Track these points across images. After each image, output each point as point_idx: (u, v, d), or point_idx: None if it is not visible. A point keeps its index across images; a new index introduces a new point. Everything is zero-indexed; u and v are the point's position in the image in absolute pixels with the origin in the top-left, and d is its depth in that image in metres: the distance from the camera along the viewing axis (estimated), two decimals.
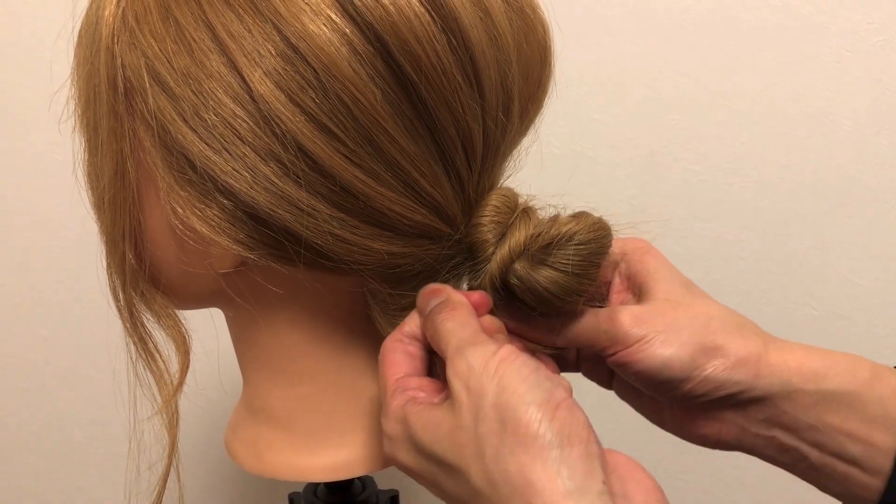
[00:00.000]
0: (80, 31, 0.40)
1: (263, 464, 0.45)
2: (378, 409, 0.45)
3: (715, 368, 0.40)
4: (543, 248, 0.40)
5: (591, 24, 0.80)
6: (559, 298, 0.41)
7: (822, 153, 0.82)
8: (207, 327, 0.49)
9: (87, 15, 0.40)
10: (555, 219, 0.42)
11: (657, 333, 0.40)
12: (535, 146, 0.81)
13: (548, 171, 0.81)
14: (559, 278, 0.40)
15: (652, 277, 0.44)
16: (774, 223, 0.85)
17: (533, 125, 0.45)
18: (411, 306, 0.41)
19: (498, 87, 0.38)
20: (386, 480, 0.57)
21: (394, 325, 0.41)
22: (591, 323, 0.42)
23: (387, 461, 0.45)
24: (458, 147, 0.38)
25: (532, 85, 0.42)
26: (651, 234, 0.83)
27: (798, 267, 0.86)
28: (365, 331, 0.43)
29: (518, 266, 0.40)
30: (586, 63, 0.81)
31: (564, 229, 0.40)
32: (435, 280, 0.41)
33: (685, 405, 0.43)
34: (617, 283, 0.46)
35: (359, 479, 0.53)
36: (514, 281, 0.41)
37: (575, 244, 0.40)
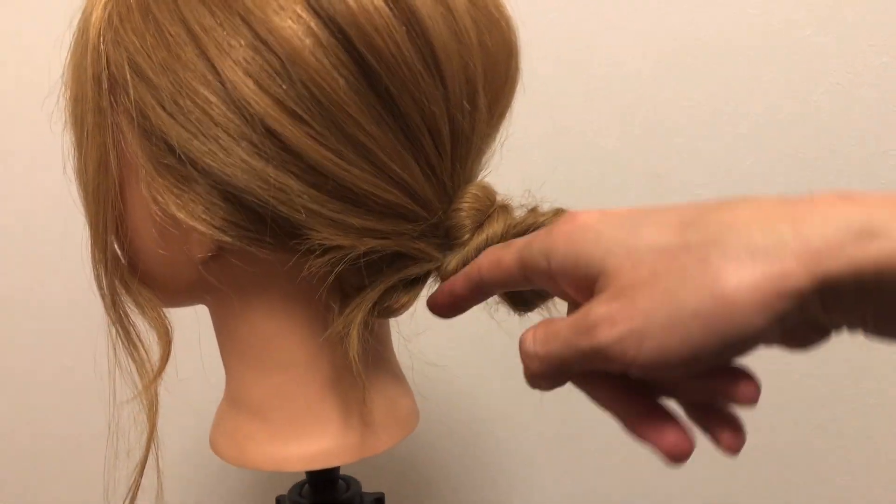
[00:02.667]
0: (73, 37, 0.43)
1: (243, 454, 0.46)
2: (352, 399, 0.46)
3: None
4: (519, 235, 0.41)
5: (596, 50, 0.82)
6: (531, 290, 0.42)
7: (830, 174, 0.82)
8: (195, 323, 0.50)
9: (80, 20, 0.43)
10: (533, 210, 0.43)
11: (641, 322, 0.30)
12: (540, 171, 0.82)
13: (553, 195, 0.82)
14: None
15: (594, 256, 0.32)
16: None
17: (504, 119, 0.46)
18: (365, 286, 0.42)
19: (461, 77, 0.40)
20: (372, 483, 0.57)
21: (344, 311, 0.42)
22: (567, 345, 0.32)
23: (362, 451, 0.46)
24: (424, 132, 0.39)
25: (499, 78, 0.43)
26: None
27: None
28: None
29: None
30: (591, 88, 0.83)
31: (541, 219, 0.41)
32: (405, 268, 0.42)
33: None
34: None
35: (343, 478, 0.53)
36: None
37: None
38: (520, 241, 0.37)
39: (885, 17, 0.78)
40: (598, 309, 0.30)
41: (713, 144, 0.83)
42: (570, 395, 0.38)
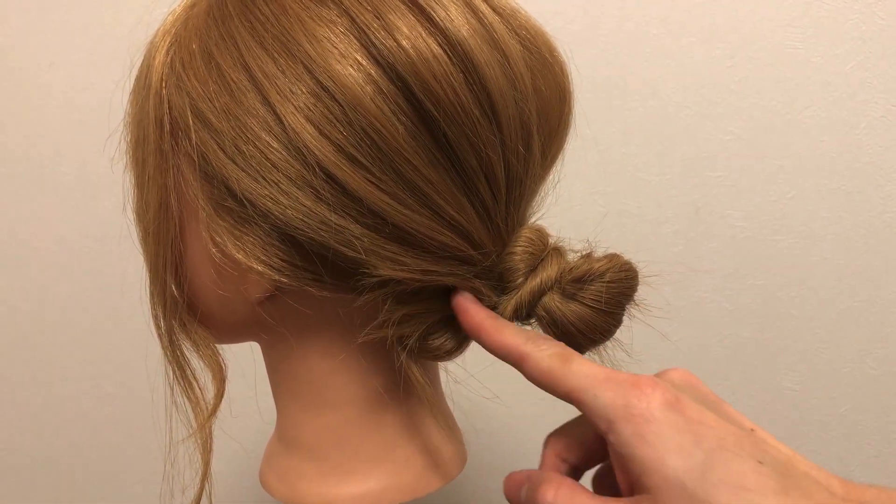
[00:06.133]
0: (135, 81, 0.44)
1: (294, 492, 0.46)
2: (404, 440, 0.46)
3: None
4: (573, 281, 0.41)
5: (636, 84, 0.82)
6: (584, 335, 0.42)
7: (875, 207, 0.81)
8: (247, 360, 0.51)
9: (141, 66, 0.44)
10: (587, 256, 0.43)
11: None
12: (580, 206, 0.82)
13: (594, 229, 0.82)
14: (586, 314, 0.41)
15: (645, 465, 0.34)
16: (827, 279, 0.83)
17: (556, 161, 0.46)
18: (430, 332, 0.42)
19: (516, 122, 0.40)
20: None
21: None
22: None
23: (414, 492, 0.46)
24: (480, 176, 0.40)
25: (552, 122, 0.44)
26: (700, 292, 0.83)
27: (853, 324, 0.83)
28: (391, 363, 0.45)
29: (547, 298, 0.42)
30: (631, 122, 0.83)
31: (596, 266, 0.41)
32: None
33: None
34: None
35: None
36: (541, 312, 0.42)
37: (606, 282, 0.41)
38: (594, 390, 0.36)
39: None
40: None
41: (753, 178, 0.83)
42: None
